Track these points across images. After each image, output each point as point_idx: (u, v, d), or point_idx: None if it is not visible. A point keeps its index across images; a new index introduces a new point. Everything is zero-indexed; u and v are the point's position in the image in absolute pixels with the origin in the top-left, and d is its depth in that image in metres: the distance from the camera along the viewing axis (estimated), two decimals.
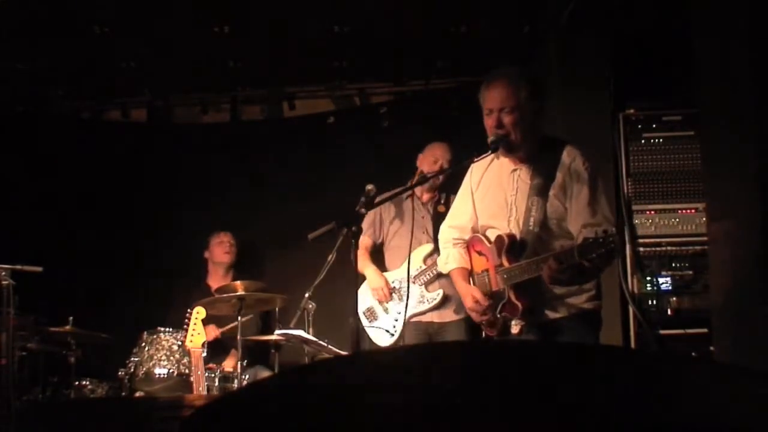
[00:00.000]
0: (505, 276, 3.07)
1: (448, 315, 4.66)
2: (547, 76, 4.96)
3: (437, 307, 4.65)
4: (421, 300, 4.66)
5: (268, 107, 6.55)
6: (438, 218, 4.69)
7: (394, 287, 4.78)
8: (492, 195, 3.22)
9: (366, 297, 4.84)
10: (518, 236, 3.07)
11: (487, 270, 3.19)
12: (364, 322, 4.84)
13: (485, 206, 3.26)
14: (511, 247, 3.06)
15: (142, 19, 5.07)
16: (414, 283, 4.67)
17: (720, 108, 3.47)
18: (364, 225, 4.95)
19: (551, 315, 3.08)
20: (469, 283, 3.30)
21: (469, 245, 3.34)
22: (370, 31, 5.36)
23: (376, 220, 4.96)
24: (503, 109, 3.06)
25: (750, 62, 3.21)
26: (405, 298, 4.63)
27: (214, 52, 5.57)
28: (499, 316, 3.14)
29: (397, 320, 4.72)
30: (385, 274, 4.83)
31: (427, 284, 4.68)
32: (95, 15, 5.01)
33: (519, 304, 3.04)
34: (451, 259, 3.40)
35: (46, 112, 6.40)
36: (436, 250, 4.58)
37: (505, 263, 3.07)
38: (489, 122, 3.11)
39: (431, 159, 4.79)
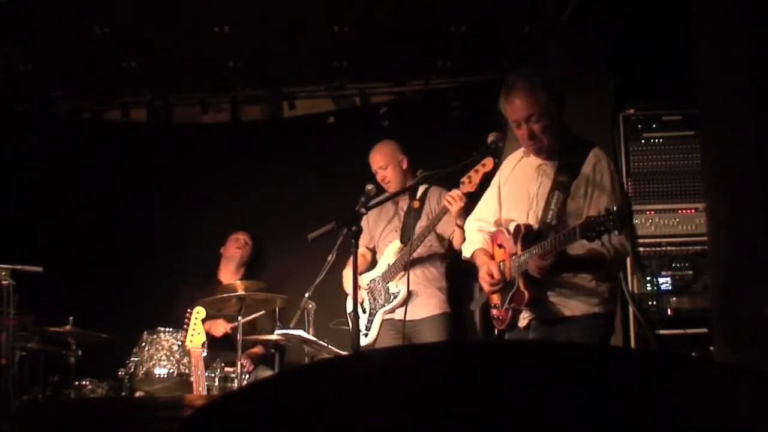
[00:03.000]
0: (517, 264, 3.11)
1: (418, 312, 4.53)
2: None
3: (402, 303, 4.49)
4: (388, 297, 4.60)
5: (268, 107, 6.55)
6: (410, 214, 4.69)
7: (370, 287, 4.74)
8: (517, 189, 3.29)
9: (350, 299, 4.83)
10: (535, 227, 3.12)
11: (503, 261, 3.23)
12: (349, 324, 4.82)
13: (509, 200, 3.33)
14: (527, 235, 3.10)
15: (142, 19, 5.07)
16: (385, 281, 4.63)
17: (720, 108, 3.47)
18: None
19: (560, 313, 3.10)
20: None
21: (493, 239, 3.38)
22: (370, 31, 5.35)
23: (365, 225, 4.95)
24: (530, 119, 3.10)
25: (750, 62, 3.21)
26: (378, 297, 4.61)
27: (214, 52, 5.57)
28: (508, 306, 3.16)
29: (369, 320, 4.68)
30: (363, 275, 4.77)
31: (392, 280, 4.60)
32: (95, 15, 5.01)
33: (526, 293, 3.07)
34: (474, 243, 3.44)
35: (46, 112, 6.39)
36: (404, 245, 4.57)
37: (519, 251, 3.11)
38: (521, 134, 3.17)
39: (374, 168, 4.79)
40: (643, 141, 4.61)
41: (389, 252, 4.67)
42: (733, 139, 3.34)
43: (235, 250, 5.71)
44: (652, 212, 4.57)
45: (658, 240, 4.54)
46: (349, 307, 4.79)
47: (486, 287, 3.27)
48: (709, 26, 3.51)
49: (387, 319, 4.60)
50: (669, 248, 4.53)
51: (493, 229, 3.40)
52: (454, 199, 4.14)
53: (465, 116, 5.95)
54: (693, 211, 4.53)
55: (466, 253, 3.51)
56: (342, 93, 6.38)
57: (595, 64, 4.69)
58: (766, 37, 3.14)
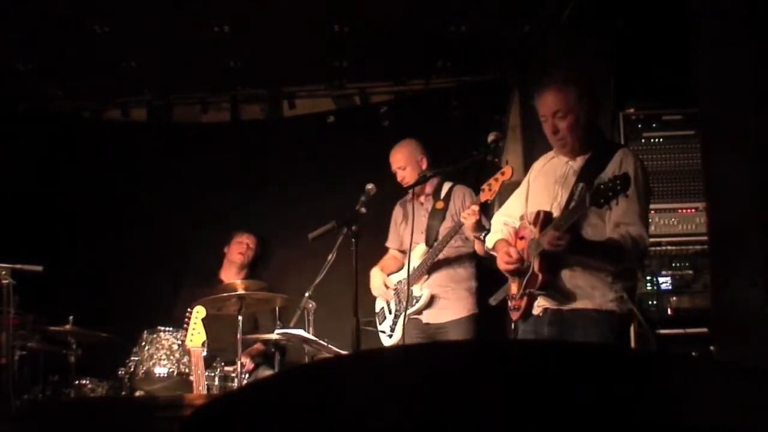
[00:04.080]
0: (534, 246, 3.16)
1: (444, 315, 4.57)
2: (546, 76, 4.96)
3: (426, 306, 4.55)
4: (411, 300, 4.60)
5: (268, 107, 6.55)
6: (434, 215, 4.68)
7: (396, 288, 4.76)
8: (544, 185, 3.37)
9: (379, 299, 4.83)
10: (556, 215, 3.17)
11: (523, 249, 3.29)
12: (377, 324, 4.82)
13: (536, 195, 3.40)
14: (546, 221, 3.15)
15: (142, 19, 5.07)
16: (410, 284, 4.63)
17: (720, 108, 3.46)
18: (390, 235, 4.97)
19: (573, 301, 3.13)
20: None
21: (516, 233, 3.44)
22: (370, 31, 5.35)
23: (392, 227, 4.97)
24: (556, 114, 3.19)
25: (750, 62, 3.21)
26: (402, 299, 4.61)
27: (214, 52, 5.57)
28: (524, 293, 3.20)
29: (394, 321, 4.70)
30: (391, 276, 4.80)
31: (416, 283, 4.61)
32: (95, 15, 5.01)
33: (540, 275, 3.12)
34: (497, 234, 3.50)
35: (46, 112, 6.39)
36: (429, 248, 4.58)
37: (537, 234, 3.17)
38: (546, 129, 3.26)
39: (393, 167, 4.78)
40: (643, 141, 4.61)
41: (414, 254, 4.65)
42: (733, 139, 3.34)
43: (237, 255, 5.71)
44: (652, 212, 4.55)
45: (658, 240, 4.53)
46: (378, 307, 4.80)
47: (503, 266, 3.34)
48: (709, 26, 3.51)
49: (412, 321, 4.60)
50: (669, 248, 4.53)
51: (518, 224, 3.47)
52: (468, 214, 4.14)
53: (465, 116, 5.95)
54: (693, 210, 4.53)
55: (489, 243, 3.58)
56: (342, 93, 6.38)
57: (595, 64, 4.69)
58: (766, 37, 3.14)
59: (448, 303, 4.55)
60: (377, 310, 4.84)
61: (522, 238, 3.36)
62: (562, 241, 2.99)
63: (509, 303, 3.43)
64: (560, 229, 2.99)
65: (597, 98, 4.65)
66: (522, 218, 3.45)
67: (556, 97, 3.20)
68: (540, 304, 3.22)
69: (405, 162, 4.74)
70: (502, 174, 3.95)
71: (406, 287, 4.60)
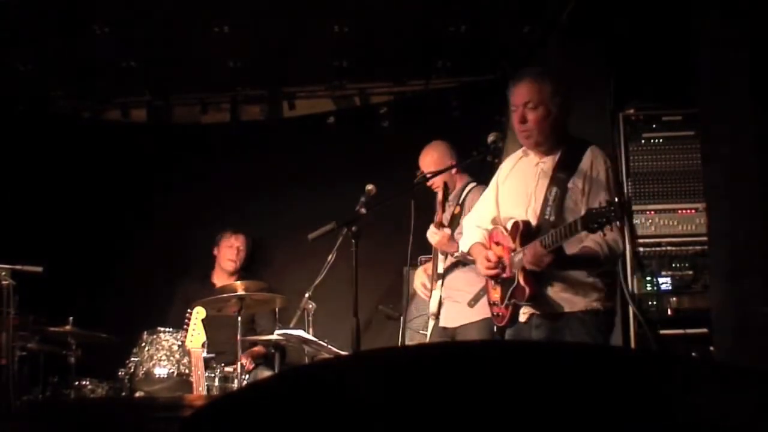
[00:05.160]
0: (516, 259, 3.13)
1: (459, 319, 4.49)
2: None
3: (436, 312, 4.49)
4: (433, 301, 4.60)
5: (268, 107, 6.55)
6: (453, 221, 4.60)
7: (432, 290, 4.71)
8: (515, 187, 3.33)
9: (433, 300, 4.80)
10: (534, 224, 3.15)
11: (502, 256, 3.25)
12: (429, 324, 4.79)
13: (508, 198, 3.36)
14: (526, 232, 3.13)
15: (142, 19, 5.07)
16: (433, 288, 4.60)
17: (720, 108, 3.47)
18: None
19: (560, 308, 3.12)
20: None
21: (490, 237, 3.40)
22: (370, 31, 5.35)
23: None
24: (527, 104, 3.17)
25: (750, 62, 3.21)
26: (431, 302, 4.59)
27: (214, 52, 5.57)
28: (509, 303, 3.17)
29: (426, 321, 4.68)
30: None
31: (435, 288, 4.55)
32: (95, 15, 5.01)
33: (527, 288, 3.09)
34: (471, 239, 3.48)
35: (46, 112, 6.39)
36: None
37: (518, 247, 3.13)
38: (514, 118, 3.22)
39: (422, 165, 4.73)
40: (643, 141, 4.61)
41: (439, 261, 4.64)
42: (733, 139, 3.34)
43: (228, 262, 5.63)
44: (652, 212, 4.56)
45: (658, 240, 4.53)
46: (432, 308, 4.77)
47: (483, 271, 3.32)
48: (709, 26, 3.51)
49: (435, 325, 4.55)
50: (669, 248, 4.53)
51: (490, 227, 3.43)
52: (431, 234, 4.13)
53: (465, 116, 5.95)
54: (693, 211, 4.53)
55: (464, 247, 3.55)
56: (342, 93, 6.38)
57: (595, 64, 4.69)
58: (766, 37, 3.14)
59: (462, 306, 4.52)
60: (432, 311, 4.77)
61: (498, 243, 3.32)
62: (547, 258, 2.97)
63: (492, 309, 3.40)
64: (547, 249, 2.96)
65: (597, 97, 4.69)
66: (494, 222, 3.41)
67: (529, 88, 3.18)
68: (526, 311, 3.20)
69: (435, 167, 4.59)
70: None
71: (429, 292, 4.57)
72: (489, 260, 3.25)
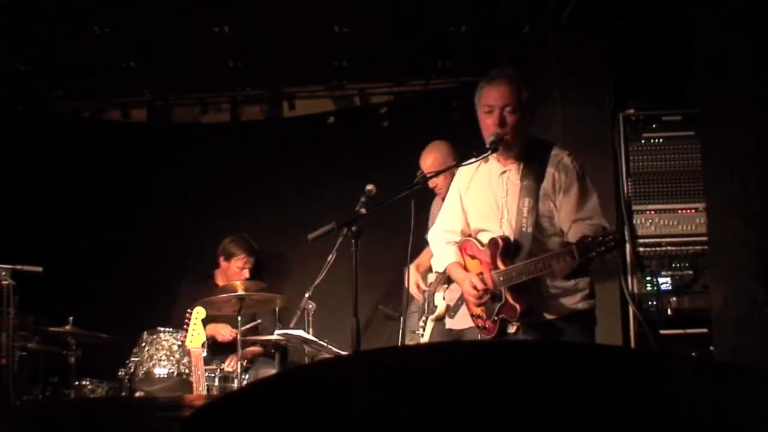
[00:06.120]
0: (502, 278, 3.08)
1: (462, 322, 4.48)
2: (547, 76, 4.96)
3: (442, 316, 4.51)
4: (431, 307, 4.55)
5: (268, 107, 6.55)
6: None
7: (426, 291, 4.70)
8: (482, 198, 3.25)
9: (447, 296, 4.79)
10: (512, 238, 3.10)
11: (481, 273, 3.18)
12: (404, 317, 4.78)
13: (476, 210, 3.28)
14: (506, 249, 3.09)
15: (142, 19, 5.07)
16: (435, 290, 4.59)
17: (720, 108, 3.47)
18: (430, 228, 4.90)
19: (548, 316, 3.11)
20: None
21: (461, 249, 3.34)
22: (370, 31, 5.35)
23: (431, 221, 4.92)
24: (506, 107, 3.09)
25: (750, 62, 3.21)
26: (429, 303, 4.57)
27: (214, 52, 5.57)
28: (497, 318, 3.15)
29: (425, 321, 4.67)
30: (429, 275, 4.76)
31: (437, 290, 4.54)
32: (95, 15, 5.01)
33: (517, 306, 3.06)
34: (448, 257, 3.41)
35: (46, 112, 6.40)
36: None
37: (501, 266, 3.08)
38: (489, 120, 3.12)
39: (423, 166, 4.73)
40: (643, 141, 4.62)
41: None
42: (733, 139, 3.34)
43: (236, 276, 5.36)
44: (652, 212, 4.57)
45: (658, 240, 4.54)
46: (438, 310, 4.76)
47: (473, 301, 3.23)
48: (709, 26, 3.51)
49: (437, 326, 4.52)
50: (669, 248, 4.53)
51: (458, 239, 3.37)
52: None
53: (465, 116, 5.94)
54: (693, 211, 4.53)
55: (438, 267, 3.50)
56: (342, 93, 6.38)
57: (595, 64, 4.69)
58: (766, 37, 3.14)
59: (465, 310, 4.51)
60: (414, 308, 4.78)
61: (473, 256, 3.25)
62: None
63: (475, 321, 3.32)
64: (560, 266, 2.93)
65: (597, 97, 4.69)
66: (463, 233, 3.35)
67: (509, 90, 3.08)
68: (514, 323, 3.17)
69: (437, 168, 4.58)
70: None
71: (428, 294, 4.56)
72: (477, 289, 3.15)
